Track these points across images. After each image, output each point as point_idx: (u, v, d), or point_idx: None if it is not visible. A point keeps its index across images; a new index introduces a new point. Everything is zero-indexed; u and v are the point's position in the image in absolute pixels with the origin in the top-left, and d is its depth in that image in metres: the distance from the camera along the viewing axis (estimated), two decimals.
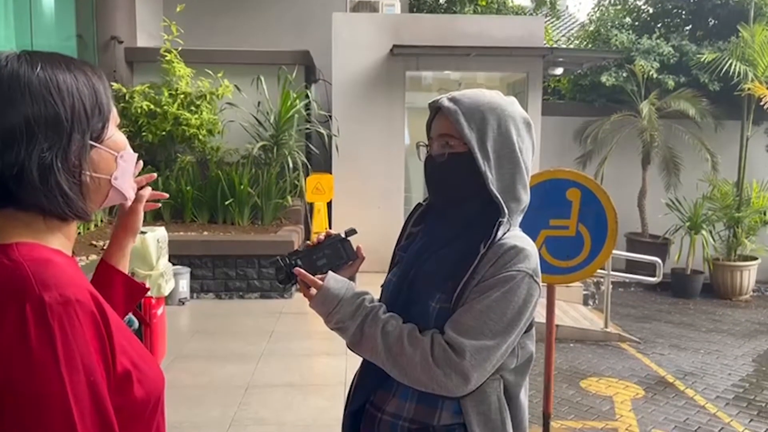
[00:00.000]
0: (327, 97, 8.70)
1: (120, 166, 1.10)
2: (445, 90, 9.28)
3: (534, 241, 3.89)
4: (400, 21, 8.35)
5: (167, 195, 1.53)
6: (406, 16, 8.91)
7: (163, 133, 7.45)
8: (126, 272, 1.35)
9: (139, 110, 7.39)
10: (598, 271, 6.66)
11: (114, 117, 1.10)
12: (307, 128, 8.07)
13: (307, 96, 8.01)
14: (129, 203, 1.24)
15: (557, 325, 6.50)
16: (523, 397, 1.44)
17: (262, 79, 7.67)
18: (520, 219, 1.47)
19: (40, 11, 7.09)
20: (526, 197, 1.45)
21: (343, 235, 1.54)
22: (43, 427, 0.87)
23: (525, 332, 1.39)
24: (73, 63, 1.05)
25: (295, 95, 7.63)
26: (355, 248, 1.55)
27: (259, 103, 7.78)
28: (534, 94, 8.26)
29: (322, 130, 7.87)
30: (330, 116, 8.12)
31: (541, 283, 1.41)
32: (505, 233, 1.36)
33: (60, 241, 1.04)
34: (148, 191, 1.37)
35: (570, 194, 3.70)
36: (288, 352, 5.04)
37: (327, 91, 8.75)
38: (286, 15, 9.80)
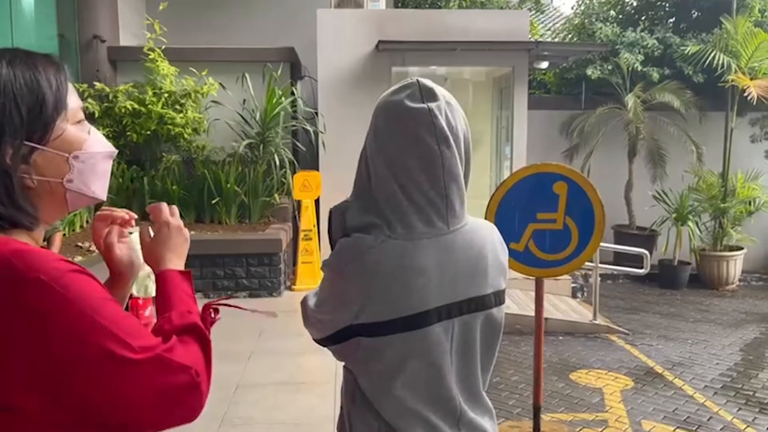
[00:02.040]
0: (313, 94, 8.67)
1: (74, 167, 1.04)
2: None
3: (522, 234, 3.90)
4: (385, 16, 8.33)
5: (135, 216, 1.34)
6: (391, 11, 8.89)
7: (148, 132, 7.38)
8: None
9: (123, 110, 7.32)
10: (586, 263, 6.70)
11: (71, 114, 1.04)
12: (294, 125, 8.03)
13: (292, 93, 7.97)
14: (101, 200, 1.15)
15: (546, 318, 6.51)
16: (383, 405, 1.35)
17: (247, 76, 7.63)
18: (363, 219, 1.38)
19: (20, 10, 7.00)
20: (360, 201, 1.39)
21: None
22: (108, 376, 0.92)
23: (385, 335, 1.31)
24: (23, 57, 1.00)
25: (280, 92, 7.59)
26: None
27: (244, 100, 7.73)
28: (520, 88, 8.26)
29: (308, 127, 7.84)
30: (316, 113, 8.09)
31: (346, 274, 1.32)
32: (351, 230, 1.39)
33: (26, 241, 0.99)
34: (114, 231, 1.24)
35: (557, 188, 3.71)
36: (277, 351, 5.01)
37: (313, 88, 8.71)
38: (271, 12, 9.75)
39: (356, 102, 8.06)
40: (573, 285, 8.05)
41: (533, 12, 12.08)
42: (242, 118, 7.73)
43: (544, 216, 3.75)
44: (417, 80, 1.34)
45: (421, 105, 1.30)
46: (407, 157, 1.30)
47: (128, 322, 0.96)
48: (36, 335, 0.89)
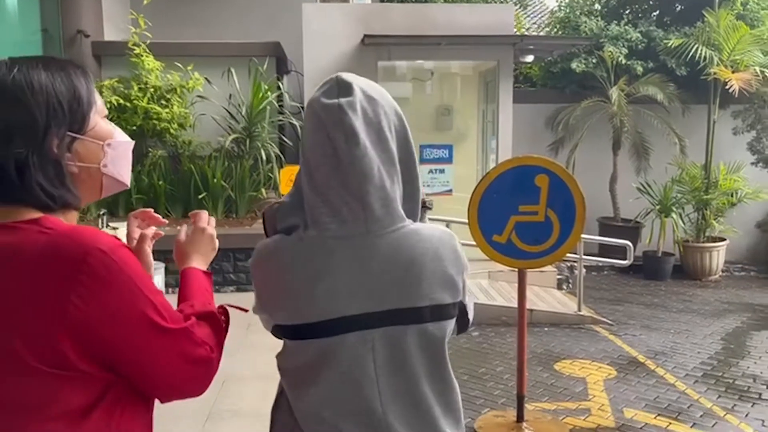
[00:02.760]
0: (300, 89, 8.68)
1: (108, 154, 1.18)
2: (418, 80, 9.32)
3: (504, 226, 3.95)
4: (371, 11, 8.35)
5: (167, 221, 1.55)
6: (377, 5, 8.91)
7: (134, 127, 7.36)
8: None
9: (108, 105, 7.29)
10: (571, 255, 6.79)
11: (99, 108, 1.19)
12: (280, 120, 8.04)
13: (279, 87, 7.98)
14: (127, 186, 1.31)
15: (531, 310, 6.61)
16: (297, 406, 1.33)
17: (233, 71, 7.63)
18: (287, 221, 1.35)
19: (3, 5, 6.96)
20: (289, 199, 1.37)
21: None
22: (148, 340, 1.09)
23: (294, 340, 1.31)
24: (54, 62, 1.14)
25: (266, 87, 7.60)
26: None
27: (230, 95, 7.73)
28: (505, 81, 8.31)
29: (294, 122, 7.85)
30: (302, 107, 8.10)
31: (257, 276, 1.34)
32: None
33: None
34: (150, 231, 1.42)
35: (538, 180, 3.77)
36: (265, 344, 5.03)
37: (299, 83, 8.72)
38: (257, 7, 9.74)
39: None
40: (558, 277, 8.13)
41: (518, 6, 12.14)
42: (228, 113, 7.74)
43: (526, 208, 3.81)
44: (337, 75, 1.29)
45: (332, 101, 1.24)
46: (319, 156, 1.25)
47: (161, 297, 1.12)
48: (94, 297, 1.03)
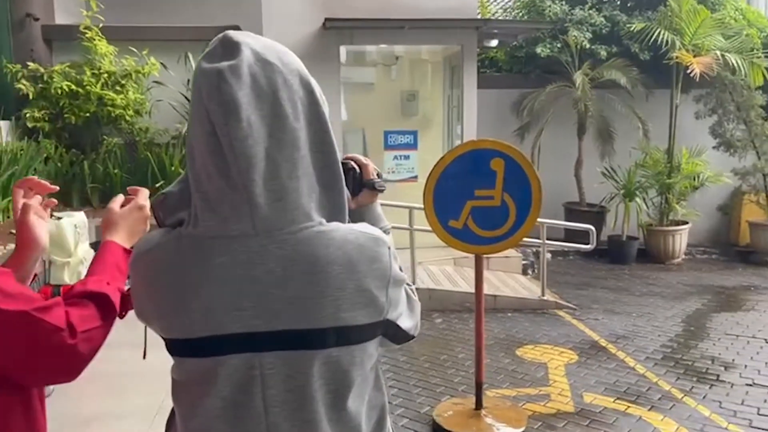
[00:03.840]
0: None
1: None
2: (383, 65, 9.20)
3: (461, 212, 3.87)
4: None
5: (56, 188, 1.41)
6: None
7: (87, 114, 7.12)
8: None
9: (59, 91, 7.04)
10: (534, 240, 6.77)
11: None
12: None
13: None
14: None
15: (495, 296, 6.59)
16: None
17: (190, 56, 7.42)
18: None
19: None
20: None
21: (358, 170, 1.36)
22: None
23: (173, 355, 1.11)
24: None
25: None
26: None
27: (188, 81, 7.52)
28: (469, 66, 8.24)
29: None
30: None
31: (131, 278, 1.14)
32: None
33: None
34: (35, 200, 1.31)
35: (494, 164, 3.71)
36: None
37: None
38: None
39: None
40: (524, 262, 8.13)
41: None
42: (186, 98, 7.52)
43: (482, 193, 3.74)
44: (224, 33, 1.07)
45: (212, 66, 1.01)
46: (198, 136, 1.03)
47: (6, 279, 1.08)
48: None
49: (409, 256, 6.57)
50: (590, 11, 9.71)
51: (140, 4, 8.96)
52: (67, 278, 4.29)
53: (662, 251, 9.25)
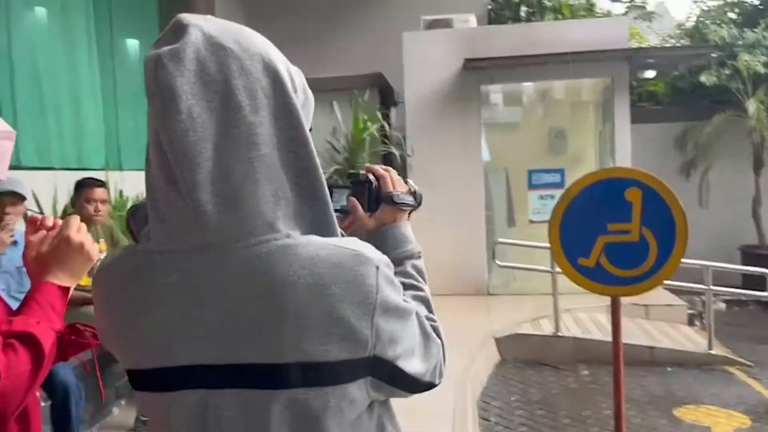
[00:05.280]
0: (403, 119, 8.60)
1: None
2: (528, 103, 8.91)
3: (591, 248, 3.51)
4: (473, 34, 8.13)
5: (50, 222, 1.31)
6: (479, 28, 8.66)
7: None
8: None
9: None
10: (700, 286, 6.02)
11: None
12: (383, 150, 7.97)
13: (380, 118, 7.92)
14: None
15: (651, 347, 5.94)
16: None
17: (335, 104, 7.70)
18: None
19: (124, 52, 7.52)
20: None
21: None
22: None
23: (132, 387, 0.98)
24: None
25: (366, 118, 7.58)
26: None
27: (334, 128, 7.79)
28: (620, 100, 7.71)
29: (394, 151, 7.75)
30: (404, 137, 8.01)
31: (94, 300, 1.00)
32: None
33: None
34: (36, 237, 1.24)
35: (629, 194, 3.30)
36: None
37: (401, 112, 8.66)
38: (362, 40, 9.84)
39: (444, 123, 7.91)
40: (690, 312, 7.25)
41: (640, 20, 11.37)
42: (330, 145, 7.79)
43: (617, 227, 3.34)
44: (177, 16, 0.92)
45: (153, 52, 0.86)
46: (149, 135, 0.90)
47: None
48: None
49: (552, 301, 6.12)
50: (765, 33, 8.74)
51: (291, 58, 9.56)
52: None
53: None
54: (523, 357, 5.88)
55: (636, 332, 6.46)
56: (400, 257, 1.17)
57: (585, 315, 6.96)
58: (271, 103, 0.89)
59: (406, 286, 1.14)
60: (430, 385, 1.03)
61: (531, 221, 7.90)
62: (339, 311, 0.85)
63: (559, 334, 6.00)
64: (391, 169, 1.27)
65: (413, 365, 0.96)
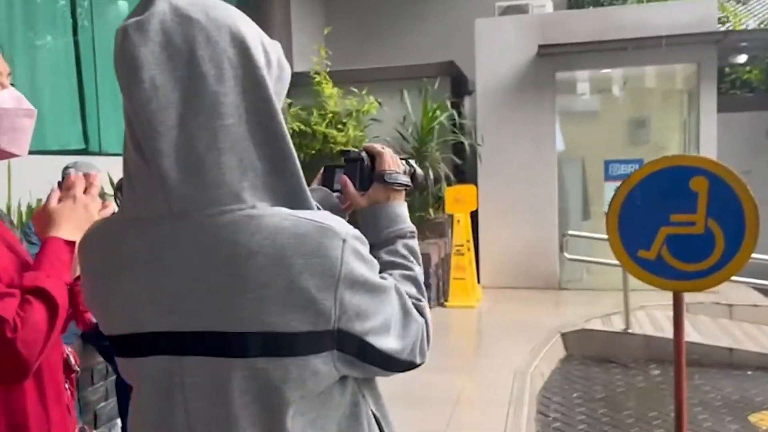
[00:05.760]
0: (474, 107, 8.47)
1: None
2: (607, 90, 8.54)
3: (653, 240, 3.35)
4: (548, 20, 7.87)
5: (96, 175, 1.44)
6: (555, 13, 8.36)
7: (313, 151, 7.74)
8: None
9: (291, 131, 7.78)
10: None
11: None
12: (453, 140, 7.87)
13: (453, 106, 7.82)
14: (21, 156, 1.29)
15: (730, 349, 5.60)
16: None
17: (405, 93, 7.67)
18: None
19: None
20: None
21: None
22: None
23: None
24: None
25: (435, 106, 7.51)
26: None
27: (404, 118, 7.76)
28: (707, 87, 7.27)
29: (464, 140, 7.64)
30: (474, 126, 7.88)
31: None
32: None
33: None
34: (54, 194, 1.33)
35: (694, 184, 3.11)
36: None
37: (474, 101, 8.52)
38: (438, 29, 9.73)
39: (517, 112, 7.72)
40: None
41: (736, 2, 10.62)
42: (400, 134, 7.78)
43: (680, 218, 3.15)
44: None
45: (122, 24, 0.89)
46: (123, 103, 0.92)
47: None
48: None
49: (622, 297, 5.85)
50: None
51: (362, 48, 9.60)
52: None
53: None
54: (590, 353, 5.68)
55: (717, 332, 6.11)
56: (391, 236, 1.17)
57: (660, 312, 6.63)
58: (239, 74, 0.89)
59: (396, 265, 1.14)
60: (409, 364, 1.01)
61: (606, 213, 7.58)
62: (300, 282, 0.84)
63: (630, 330, 5.74)
64: (386, 147, 1.26)
65: (387, 342, 0.95)
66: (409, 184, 1.24)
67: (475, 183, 7.83)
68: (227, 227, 0.85)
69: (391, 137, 7.79)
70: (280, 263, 0.84)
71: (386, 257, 1.15)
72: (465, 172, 8.21)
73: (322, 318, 0.86)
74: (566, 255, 6.18)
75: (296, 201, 0.92)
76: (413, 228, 1.20)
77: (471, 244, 7.09)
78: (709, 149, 7.29)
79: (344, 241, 0.88)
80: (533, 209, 7.67)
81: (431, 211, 7.44)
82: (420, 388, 4.42)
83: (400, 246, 1.15)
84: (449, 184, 7.39)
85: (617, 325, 5.94)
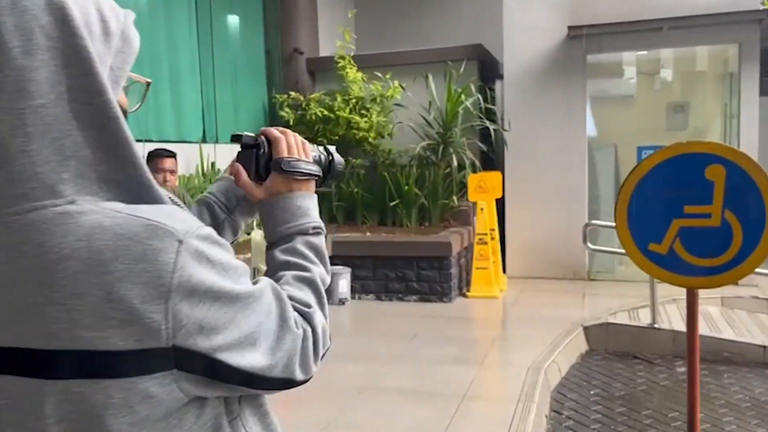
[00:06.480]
0: (501, 91, 8.22)
1: None
2: (643, 74, 8.17)
3: (665, 233, 3.14)
4: (580, 0, 7.55)
5: None
6: None
7: (337, 137, 7.63)
8: None
9: (314, 117, 7.69)
10: None
11: None
12: (479, 125, 7.66)
13: (481, 90, 7.59)
14: None
15: (764, 347, 5.28)
16: None
17: (430, 77, 7.48)
18: None
19: (233, 32, 7.74)
20: None
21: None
22: None
23: None
24: None
25: (459, 91, 7.30)
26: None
27: (429, 103, 7.59)
28: (749, 69, 6.87)
29: (489, 126, 7.42)
30: (501, 111, 7.65)
31: None
32: None
33: None
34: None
35: (710, 173, 2.89)
36: (418, 357, 4.74)
37: (502, 85, 8.27)
38: (463, 9, 9.49)
39: (546, 97, 7.46)
40: None
41: None
42: (424, 120, 7.61)
43: (695, 209, 2.93)
44: None
45: None
46: None
47: None
48: None
49: (648, 290, 5.59)
50: None
51: (387, 31, 9.43)
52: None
53: None
54: (614, 348, 5.45)
55: (752, 329, 5.80)
56: (289, 232, 1.06)
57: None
58: (57, 46, 0.76)
59: (291, 266, 1.03)
60: (286, 382, 0.89)
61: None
62: (120, 292, 0.72)
63: (657, 325, 5.48)
64: (289, 131, 1.13)
65: (248, 358, 0.82)
66: (316, 173, 1.11)
67: (503, 170, 7.62)
68: (36, 227, 0.73)
69: (416, 122, 7.64)
70: (95, 270, 0.72)
71: (281, 257, 1.03)
72: (493, 159, 8.00)
73: (150, 334, 0.73)
74: (588, 245, 5.92)
75: (142, 193, 0.80)
76: (319, 223, 1.08)
77: (496, 233, 6.89)
78: (750, 135, 6.91)
79: (180, 242, 0.75)
80: (562, 197, 7.42)
81: (455, 198, 7.26)
82: (431, 380, 4.32)
83: (299, 244, 1.04)
84: (474, 171, 7.19)
85: (644, 318, 5.69)
